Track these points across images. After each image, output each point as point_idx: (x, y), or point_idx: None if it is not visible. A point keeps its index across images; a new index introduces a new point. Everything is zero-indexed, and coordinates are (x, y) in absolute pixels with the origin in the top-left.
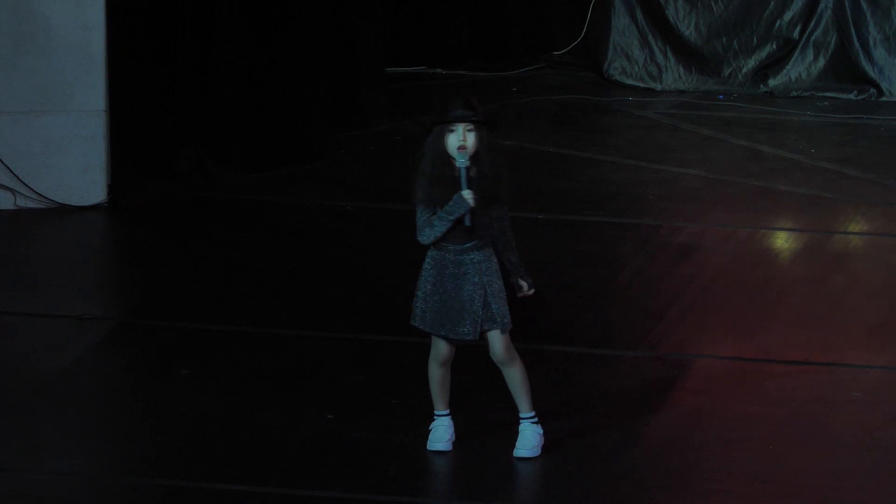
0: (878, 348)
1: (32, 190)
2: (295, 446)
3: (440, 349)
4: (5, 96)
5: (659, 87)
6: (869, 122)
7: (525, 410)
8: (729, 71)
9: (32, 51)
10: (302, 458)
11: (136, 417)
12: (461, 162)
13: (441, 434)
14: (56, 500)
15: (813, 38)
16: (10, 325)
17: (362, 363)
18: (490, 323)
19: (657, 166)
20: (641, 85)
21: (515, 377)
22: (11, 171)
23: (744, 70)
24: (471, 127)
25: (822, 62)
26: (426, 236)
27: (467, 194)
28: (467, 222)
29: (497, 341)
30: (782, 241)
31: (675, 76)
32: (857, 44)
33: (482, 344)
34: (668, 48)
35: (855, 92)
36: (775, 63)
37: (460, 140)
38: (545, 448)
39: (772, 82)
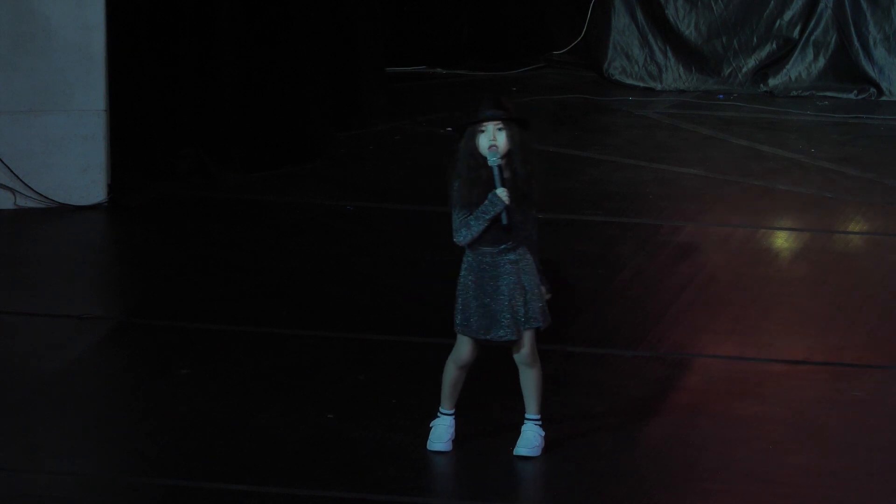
0: (878, 348)
1: (32, 190)
2: (295, 446)
3: (462, 353)
4: (5, 96)
5: (659, 87)
6: (869, 121)
7: (532, 412)
8: (729, 70)
9: (32, 51)
10: (302, 458)
11: (136, 417)
12: (493, 161)
13: (441, 434)
14: (56, 500)
15: (813, 37)
16: (10, 325)
17: (362, 363)
18: (530, 321)
19: (657, 166)
20: (641, 84)
21: (532, 379)
22: (11, 171)
23: (744, 69)
24: (500, 126)
25: (822, 62)
26: (462, 237)
27: (502, 192)
28: (504, 221)
29: (528, 342)
30: (782, 240)
31: (675, 76)
32: (857, 43)
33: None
34: (668, 48)
35: (855, 91)
36: (775, 63)
37: (490, 140)
38: (545, 448)
39: (772, 82)
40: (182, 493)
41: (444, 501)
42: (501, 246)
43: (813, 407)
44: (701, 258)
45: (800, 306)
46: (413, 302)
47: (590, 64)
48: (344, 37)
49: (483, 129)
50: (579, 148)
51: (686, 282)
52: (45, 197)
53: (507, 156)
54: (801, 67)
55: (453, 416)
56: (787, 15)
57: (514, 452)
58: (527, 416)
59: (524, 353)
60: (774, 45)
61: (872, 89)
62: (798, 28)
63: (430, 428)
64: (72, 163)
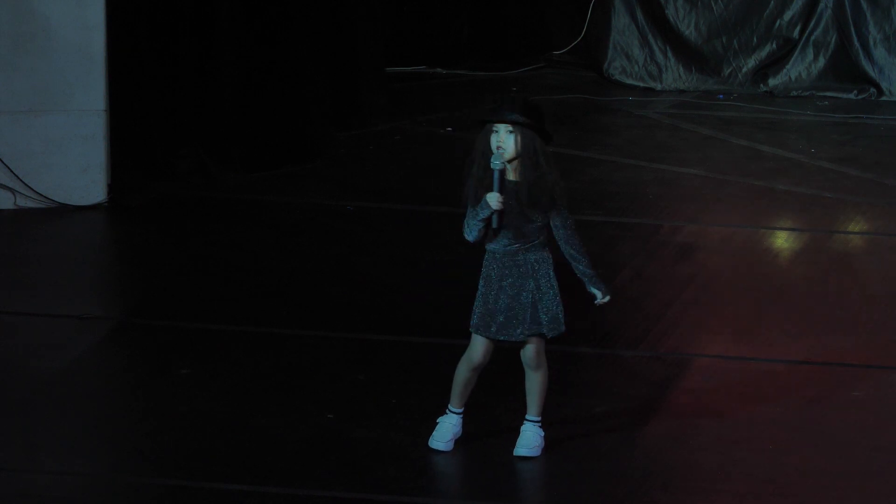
0: (878, 348)
1: (32, 190)
2: (295, 446)
3: (475, 353)
4: (5, 96)
5: (659, 87)
6: (869, 121)
7: (533, 414)
8: (729, 70)
9: (32, 51)
10: (302, 458)
11: (136, 417)
12: (494, 164)
13: (444, 433)
14: (56, 500)
15: (813, 37)
16: (10, 325)
17: (362, 363)
18: (536, 327)
19: (657, 166)
20: (641, 84)
21: (535, 383)
22: (11, 171)
23: (744, 69)
24: (511, 129)
25: (822, 62)
26: (466, 234)
27: (492, 197)
28: (494, 224)
29: (533, 345)
30: (782, 240)
31: (675, 76)
32: (857, 43)
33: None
34: (668, 48)
35: (855, 91)
36: (775, 63)
37: (498, 141)
38: (545, 448)
39: (772, 82)
40: (182, 493)
41: (444, 501)
42: (516, 246)
43: (813, 407)
44: (701, 258)
45: (800, 306)
46: (413, 302)
47: (590, 64)
48: (344, 37)
49: (496, 129)
50: (579, 148)
51: (686, 282)
52: (45, 197)
53: (516, 160)
54: (801, 67)
55: (461, 416)
56: (787, 15)
57: (514, 453)
58: (527, 416)
59: (529, 356)
60: (774, 45)
61: (872, 89)
62: (798, 28)
63: (436, 423)
64: (72, 163)
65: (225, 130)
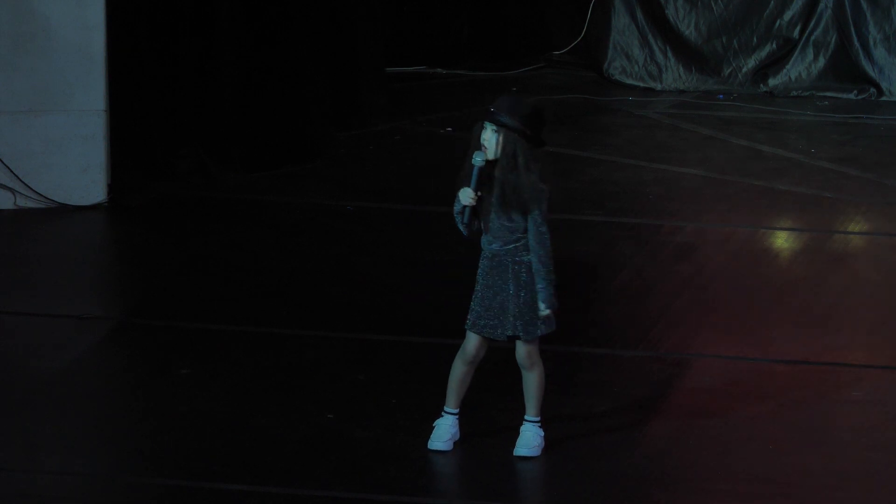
0: (878, 348)
1: (32, 190)
2: (295, 446)
3: (469, 348)
4: (5, 96)
5: (659, 87)
6: (869, 121)
7: (531, 414)
8: (729, 70)
9: (32, 51)
10: (302, 458)
11: (136, 417)
12: (474, 161)
13: (442, 433)
14: (56, 499)
15: (813, 37)
16: (10, 325)
17: (362, 363)
18: (512, 329)
19: (657, 166)
20: (641, 84)
21: (532, 382)
22: (11, 171)
23: (744, 69)
24: (496, 129)
25: (822, 62)
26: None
27: (464, 192)
28: (465, 219)
29: (521, 347)
30: (782, 240)
31: (675, 76)
32: (857, 43)
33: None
34: (668, 48)
35: (855, 92)
36: (775, 63)
37: (484, 139)
38: (545, 448)
39: (772, 82)
40: (182, 493)
41: (444, 501)
42: (496, 245)
43: (813, 407)
44: (701, 258)
45: (800, 306)
46: (413, 302)
47: (590, 64)
48: (344, 37)
49: (485, 127)
50: (579, 148)
51: (686, 282)
52: (45, 197)
53: (497, 160)
54: (801, 67)
55: (457, 416)
56: (787, 15)
57: (514, 453)
58: (525, 417)
59: (521, 357)
60: (774, 45)
61: (872, 89)
62: (798, 28)
63: (433, 427)
64: (72, 163)
65: (225, 130)
